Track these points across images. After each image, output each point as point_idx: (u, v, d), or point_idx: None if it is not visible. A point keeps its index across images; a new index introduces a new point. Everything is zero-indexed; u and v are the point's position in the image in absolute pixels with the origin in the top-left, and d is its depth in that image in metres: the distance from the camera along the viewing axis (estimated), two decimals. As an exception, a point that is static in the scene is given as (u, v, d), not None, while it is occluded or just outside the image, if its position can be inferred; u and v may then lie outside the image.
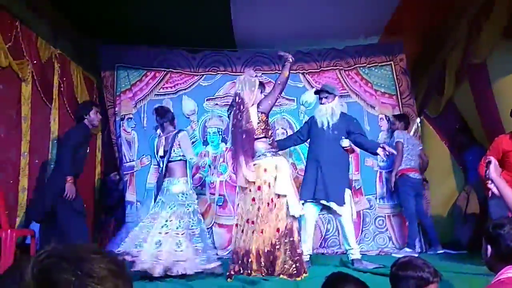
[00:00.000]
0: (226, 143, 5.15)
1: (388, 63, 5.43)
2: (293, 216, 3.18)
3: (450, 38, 4.96)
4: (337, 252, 4.80)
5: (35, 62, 3.86)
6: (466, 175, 5.05)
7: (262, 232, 3.11)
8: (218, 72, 5.38)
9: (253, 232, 3.12)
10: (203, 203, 5.02)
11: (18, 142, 3.66)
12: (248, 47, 5.43)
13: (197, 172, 5.17)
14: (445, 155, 5.27)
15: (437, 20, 4.82)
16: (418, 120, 5.46)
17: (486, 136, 4.42)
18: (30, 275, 0.61)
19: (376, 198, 5.10)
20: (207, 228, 4.92)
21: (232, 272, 3.11)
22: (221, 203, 5.08)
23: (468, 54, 4.37)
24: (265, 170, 3.22)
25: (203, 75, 5.37)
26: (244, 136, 3.23)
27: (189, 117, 5.28)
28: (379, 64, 5.43)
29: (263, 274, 3.04)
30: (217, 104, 5.30)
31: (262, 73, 5.31)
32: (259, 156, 3.26)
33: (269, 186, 3.19)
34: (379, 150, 3.64)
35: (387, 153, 3.69)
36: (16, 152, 3.63)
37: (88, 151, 4.04)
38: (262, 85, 3.45)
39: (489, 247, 1.71)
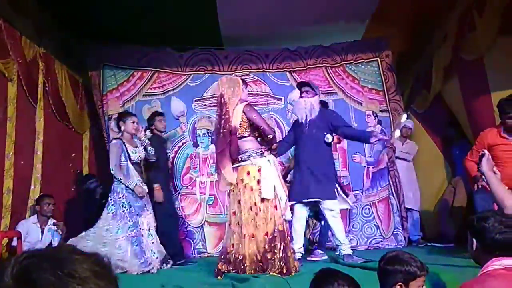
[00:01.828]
0: (216, 144, 5.12)
1: (375, 59, 5.44)
2: (283, 219, 3.16)
3: (437, 33, 4.97)
4: (326, 247, 4.82)
5: (20, 61, 3.78)
6: (454, 169, 5.11)
7: (253, 237, 3.08)
8: (206, 71, 5.34)
9: (244, 237, 3.09)
10: (193, 203, 5.02)
11: (3, 142, 3.58)
12: (235, 44, 5.40)
13: (188, 172, 5.14)
14: (432, 150, 5.32)
15: (424, 13, 4.78)
16: (405, 115, 5.50)
17: (473, 131, 4.45)
18: (10, 276, 0.61)
19: (363, 193, 5.14)
20: (198, 227, 4.94)
21: (222, 270, 3.10)
22: (211, 202, 5.06)
23: (459, 50, 4.33)
24: (248, 173, 3.15)
25: (190, 74, 5.32)
26: (226, 137, 3.13)
27: (178, 119, 5.24)
28: (366, 61, 5.44)
29: (255, 272, 3.04)
30: (205, 105, 5.26)
31: (250, 72, 5.38)
32: (244, 158, 3.18)
33: (251, 189, 3.12)
34: (373, 139, 3.66)
35: (379, 139, 3.77)
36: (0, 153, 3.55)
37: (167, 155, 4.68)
38: (244, 82, 3.41)
39: (474, 240, 1.71)
